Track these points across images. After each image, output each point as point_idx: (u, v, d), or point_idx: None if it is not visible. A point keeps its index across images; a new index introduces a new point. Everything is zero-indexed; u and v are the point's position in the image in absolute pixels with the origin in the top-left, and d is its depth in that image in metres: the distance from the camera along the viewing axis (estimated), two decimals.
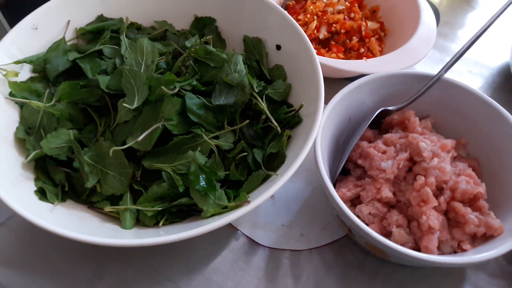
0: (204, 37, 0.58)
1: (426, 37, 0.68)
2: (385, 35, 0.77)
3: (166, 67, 0.55)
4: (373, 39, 0.72)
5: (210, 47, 0.55)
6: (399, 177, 0.48)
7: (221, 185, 0.48)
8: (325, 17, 0.71)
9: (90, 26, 0.60)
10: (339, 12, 0.72)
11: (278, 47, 0.59)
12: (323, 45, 0.72)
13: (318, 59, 0.53)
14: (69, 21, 0.59)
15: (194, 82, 0.52)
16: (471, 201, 0.47)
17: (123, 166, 0.47)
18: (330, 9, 0.72)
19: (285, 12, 0.57)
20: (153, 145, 0.48)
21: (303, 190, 0.57)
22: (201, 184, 0.46)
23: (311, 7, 0.72)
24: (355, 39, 0.71)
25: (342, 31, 0.71)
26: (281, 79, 0.58)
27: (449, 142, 0.49)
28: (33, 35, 0.56)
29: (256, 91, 0.54)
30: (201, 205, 0.45)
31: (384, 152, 0.49)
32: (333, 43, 0.71)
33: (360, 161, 0.49)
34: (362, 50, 0.70)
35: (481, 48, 0.81)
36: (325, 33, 0.70)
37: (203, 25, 0.64)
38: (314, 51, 0.54)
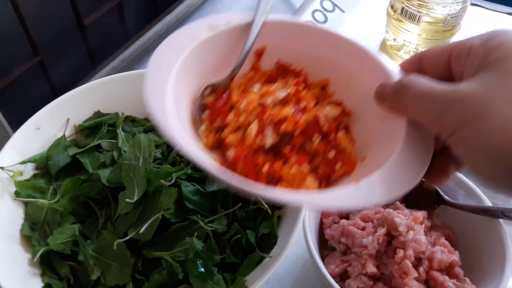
0: None
1: None
2: (351, 120, 0.46)
3: (161, 157, 0.60)
4: (341, 133, 0.43)
5: None
6: (381, 251, 0.52)
7: (217, 269, 0.51)
8: (266, 114, 0.41)
9: (88, 123, 0.65)
10: (283, 102, 0.44)
11: None
12: (274, 153, 0.41)
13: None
14: (68, 119, 0.64)
15: (189, 171, 0.57)
16: (448, 269, 0.52)
17: (125, 257, 0.50)
18: (268, 100, 0.43)
19: None
20: None
21: (294, 265, 0.60)
22: (199, 270, 0.49)
23: (244, 102, 0.42)
24: (316, 138, 0.42)
25: (297, 131, 0.42)
26: None
27: (420, 214, 0.55)
28: (36, 134, 0.60)
29: None
30: None
31: (363, 229, 0.53)
32: (288, 150, 0.41)
33: (343, 239, 0.53)
34: (331, 154, 0.42)
35: None
36: (273, 137, 0.41)
37: None
38: None
